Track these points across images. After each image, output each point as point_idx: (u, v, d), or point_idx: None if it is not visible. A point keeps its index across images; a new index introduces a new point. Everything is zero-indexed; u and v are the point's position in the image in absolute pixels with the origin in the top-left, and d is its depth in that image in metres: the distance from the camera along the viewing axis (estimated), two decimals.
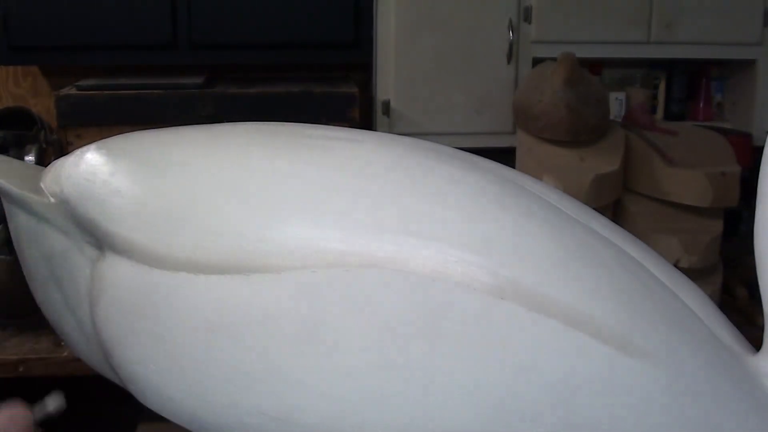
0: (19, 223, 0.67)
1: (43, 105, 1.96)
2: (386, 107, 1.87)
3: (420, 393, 0.50)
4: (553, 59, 1.40)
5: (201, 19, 1.86)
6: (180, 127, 0.70)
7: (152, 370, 0.59)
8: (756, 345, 0.59)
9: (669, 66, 2.08)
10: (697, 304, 0.59)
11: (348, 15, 1.88)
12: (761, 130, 1.93)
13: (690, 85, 2.11)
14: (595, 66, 2.00)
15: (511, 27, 1.83)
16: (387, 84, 1.87)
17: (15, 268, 0.75)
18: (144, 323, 0.58)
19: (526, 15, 1.85)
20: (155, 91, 1.72)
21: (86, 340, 0.67)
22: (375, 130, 1.79)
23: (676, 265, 0.64)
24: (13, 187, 0.67)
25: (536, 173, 1.24)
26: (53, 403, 0.70)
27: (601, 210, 0.82)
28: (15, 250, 0.70)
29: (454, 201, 0.57)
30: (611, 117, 1.50)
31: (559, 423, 0.50)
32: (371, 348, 0.51)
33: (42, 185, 0.67)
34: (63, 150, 1.66)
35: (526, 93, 1.40)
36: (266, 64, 2.06)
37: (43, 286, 0.68)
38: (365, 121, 1.88)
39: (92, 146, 0.67)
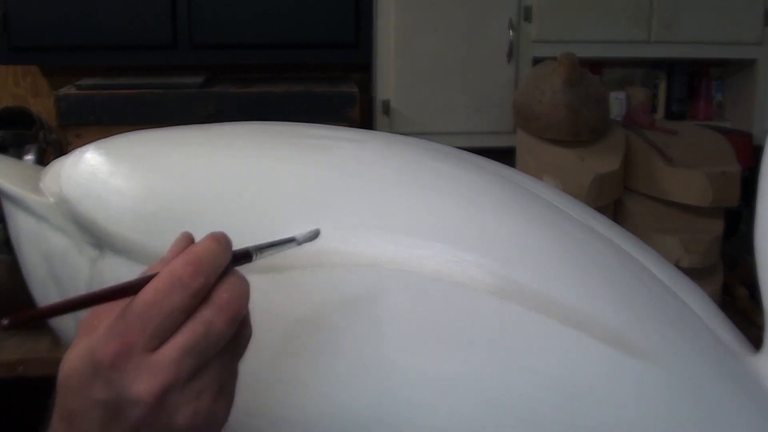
0: (19, 222, 0.67)
1: (43, 105, 1.96)
2: (386, 107, 1.87)
3: (419, 393, 0.50)
4: (554, 59, 1.40)
5: (201, 19, 1.86)
6: (180, 127, 0.70)
7: None
8: (756, 345, 0.59)
9: (669, 65, 2.08)
10: (697, 304, 0.59)
11: (348, 15, 1.88)
12: (761, 129, 1.93)
13: (690, 85, 2.11)
14: (595, 66, 2.00)
15: (511, 26, 1.83)
16: (387, 84, 1.87)
17: (14, 267, 0.75)
18: None
19: (527, 14, 1.85)
20: (155, 91, 1.72)
21: None
22: (375, 130, 1.79)
23: (676, 265, 0.64)
24: (12, 187, 0.67)
25: (536, 173, 1.24)
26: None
27: (601, 210, 0.82)
28: (14, 249, 0.70)
29: (454, 201, 0.57)
30: (611, 117, 1.50)
31: (559, 423, 0.50)
32: (371, 348, 0.51)
33: (41, 185, 0.67)
34: (62, 150, 1.66)
35: (526, 93, 1.40)
36: (266, 64, 2.06)
37: (43, 286, 0.68)
38: (365, 121, 1.88)
39: (91, 146, 0.67)
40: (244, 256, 0.44)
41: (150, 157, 0.64)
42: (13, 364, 1.24)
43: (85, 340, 0.41)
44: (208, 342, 0.40)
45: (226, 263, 0.42)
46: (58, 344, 1.25)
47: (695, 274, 1.21)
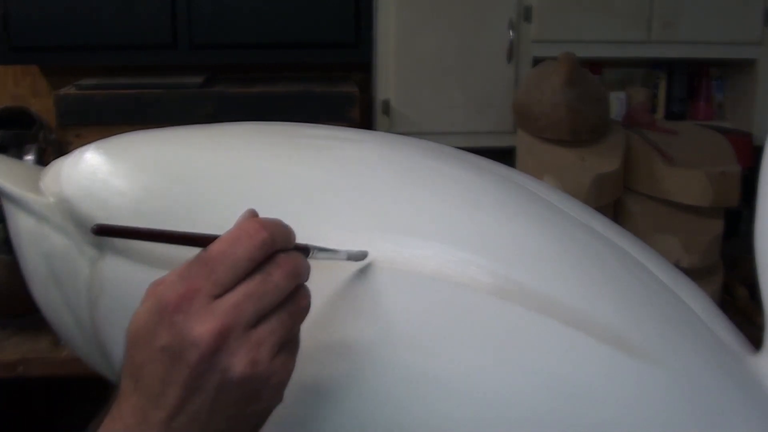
0: (19, 222, 0.67)
1: (43, 105, 1.96)
2: (386, 107, 1.87)
3: (418, 393, 0.50)
4: (554, 59, 1.40)
5: (201, 19, 1.86)
6: (179, 127, 0.70)
7: None
8: (756, 345, 0.59)
9: (669, 65, 2.08)
10: (697, 304, 0.59)
11: (348, 15, 1.88)
12: (761, 129, 1.93)
13: (690, 85, 2.11)
14: (595, 66, 2.00)
15: (511, 26, 1.83)
16: (387, 84, 1.87)
17: (14, 267, 0.75)
18: None
19: (527, 14, 1.85)
20: (155, 91, 1.72)
21: (86, 339, 0.67)
22: (375, 130, 1.80)
23: (676, 265, 0.64)
24: (12, 187, 0.67)
25: (536, 173, 1.24)
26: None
27: (602, 210, 0.82)
28: (14, 249, 0.70)
29: (454, 201, 0.57)
30: (612, 117, 1.50)
31: (559, 423, 0.50)
32: (370, 349, 0.51)
33: (41, 185, 0.67)
34: (62, 150, 1.66)
35: (526, 93, 1.40)
36: (266, 64, 2.06)
37: (43, 286, 0.68)
38: (365, 121, 1.88)
39: (91, 146, 0.67)
40: (303, 249, 0.47)
41: (150, 157, 0.64)
42: (13, 364, 1.24)
43: (150, 298, 0.44)
44: (266, 290, 0.43)
45: (289, 235, 0.45)
46: (58, 344, 1.25)
47: (695, 274, 1.21)
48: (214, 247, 0.43)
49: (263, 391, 0.44)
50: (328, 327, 0.52)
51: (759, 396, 0.54)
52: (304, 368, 0.52)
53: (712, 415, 0.52)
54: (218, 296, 0.42)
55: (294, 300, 0.45)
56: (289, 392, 0.52)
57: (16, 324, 1.32)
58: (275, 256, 0.44)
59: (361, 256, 0.53)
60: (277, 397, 0.46)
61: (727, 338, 0.58)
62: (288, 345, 0.45)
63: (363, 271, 0.53)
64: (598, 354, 0.51)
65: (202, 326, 0.41)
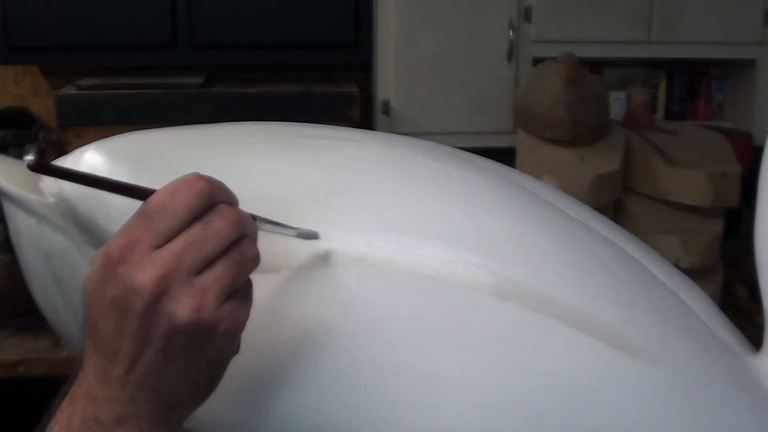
0: (19, 222, 0.67)
1: (43, 105, 1.96)
2: (386, 107, 1.87)
3: (418, 393, 0.50)
4: (554, 59, 1.40)
5: (201, 19, 1.86)
6: (180, 127, 0.70)
7: None
8: (756, 345, 0.59)
9: (669, 65, 2.08)
10: (697, 304, 0.59)
11: (348, 15, 1.88)
12: (761, 129, 1.93)
13: (690, 85, 2.11)
14: (595, 66, 2.00)
15: (511, 26, 1.83)
16: (387, 84, 1.87)
17: (14, 267, 0.75)
18: None
19: (527, 14, 1.85)
20: (155, 91, 1.72)
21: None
22: (375, 130, 1.80)
23: (676, 265, 0.64)
24: (12, 187, 0.67)
25: (536, 173, 1.24)
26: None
27: (601, 210, 0.82)
28: (14, 249, 0.70)
29: (454, 201, 0.57)
30: (611, 117, 1.50)
31: (559, 423, 0.50)
32: (370, 349, 0.51)
33: (41, 185, 0.67)
34: (62, 149, 1.66)
35: (526, 93, 1.40)
36: (266, 64, 2.06)
37: (43, 286, 0.68)
38: (365, 121, 1.88)
39: (91, 146, 0.66)
40: (250, 216, 0.47)
41: (150, 157, 0.64)
42: (13, 364, 1.24)
43: (99, 258, 0.44)
44: (206, 237, 0.43)
45: (231, 193, 0.46)
46: (58, 344, 1.25)
47: (695, 274, 1.21)
48: (153, 199, 0.43)
49: (213, 338, 0.44)
50: (327, 327, 0.52)
51: (759, 396, 0.54)
52: (303, 368, 0.52)
53: (712, 415, 0.52)
54: (159, 246, 0.43)
55: (239, 249, 0.45)
56: (288, 392, 0.52)
57: (16, 324, 1.32)
58: (215, 206, 0.44)
59: (312, 235, 0.52)
60: (230, 346, 0.46)
61: (727, 338, 0.58)
62: (237, 294, 0.45)
63: (363, 272, 0.53)
64: (598, 354, 0.51)
65: (144, 275, 0.42)
